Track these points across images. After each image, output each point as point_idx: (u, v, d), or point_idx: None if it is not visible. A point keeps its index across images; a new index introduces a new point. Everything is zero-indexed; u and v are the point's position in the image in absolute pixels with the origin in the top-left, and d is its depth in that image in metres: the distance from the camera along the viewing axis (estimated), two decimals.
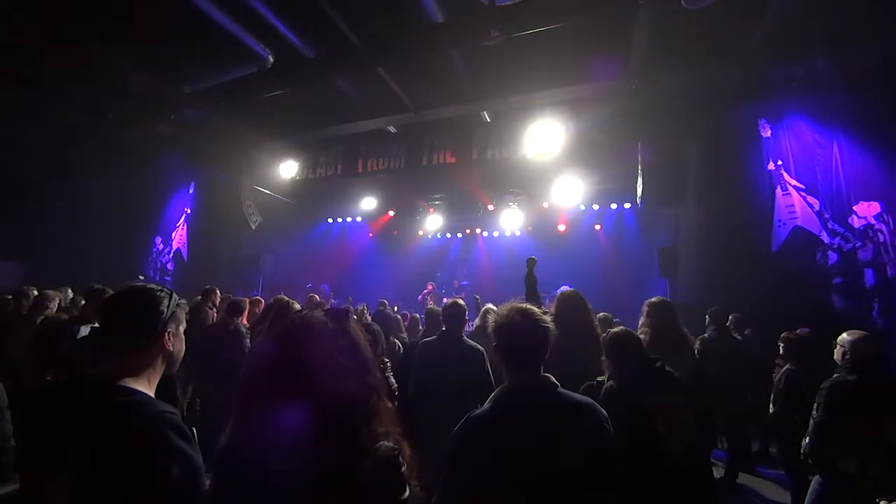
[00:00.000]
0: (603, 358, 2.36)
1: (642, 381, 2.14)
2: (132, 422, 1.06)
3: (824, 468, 2.47)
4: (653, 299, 3.43)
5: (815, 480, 2.53)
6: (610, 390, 2.15)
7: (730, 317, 5.06)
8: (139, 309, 1.26)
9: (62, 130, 8.81)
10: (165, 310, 1.28)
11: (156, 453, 1.02)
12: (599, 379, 2.27)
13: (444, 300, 4.48)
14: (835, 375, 2.62)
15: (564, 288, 9.24)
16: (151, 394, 1.20)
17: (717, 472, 4.51)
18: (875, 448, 2.30)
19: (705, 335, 4.54)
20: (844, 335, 2.72)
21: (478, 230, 13.37)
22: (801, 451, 2.63)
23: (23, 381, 2.86)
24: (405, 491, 1.06)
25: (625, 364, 2.23)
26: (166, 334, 1.27)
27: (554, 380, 1.52)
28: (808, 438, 2.58)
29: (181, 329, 1.35)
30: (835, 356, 2.77)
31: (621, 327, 2.45)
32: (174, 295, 1.34)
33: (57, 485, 1.02)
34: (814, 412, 2.59)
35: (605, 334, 2.45)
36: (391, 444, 1.07)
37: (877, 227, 5.55)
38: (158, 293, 1.29)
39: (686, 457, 2.01)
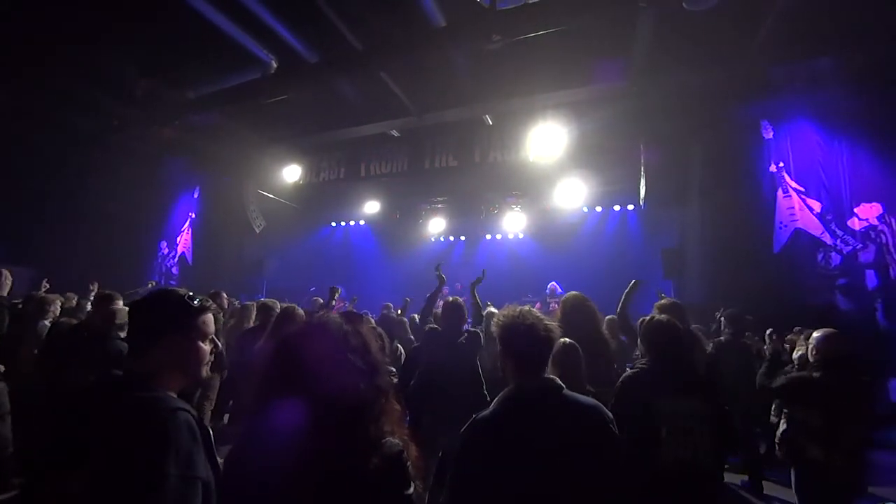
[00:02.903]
0: (639, 341, 2.40)
1: (664, 380, 2.14)
2: (143, 416, 1.07)
3: (793, 456, 2.66)
4: (662, 301, 3.42)
5: (793, 473, 2.71)
6: (627, 380, 2.19)
7: (721, 318, 5.00)
8: (154, 313, 1.26)
9: (68, 135, 8.88)
10: (180, 315, 1.26)
11: (159, 450, 1.02)
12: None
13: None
14: (802, 371, 2.84)
15: (553, 285, 9.15)
16: (171, 393, 1.20)
17: (727, 475, 4.47)
18: (837, 438, 2.46)
19: (721, 339, 4.46)
20: (814, 334, 2.83)
21: (481, 233, 13.37)
22: (776, 441, 2.87)
23: (28, 385, 2.90)
24: (410, 486, 1.09)
25: (659, 359, 2.24)
26: (179, 339, 1.25)
27: (559, 381, 1.54)
28: (779, 429, 2.85)
29: (199, 335, 1.29)
30: (804, 354, 2.93)
31: (664, 316, 2.42)
32: (194, 301, 1.30)
33: (70, 480, 1.04)
34: (784, 406, 2.88)
35: (643, 319, 2.43)
36: (397, 441, 1.12)
37: (879, 228, 5.53)
38: (176, 298, 1.28)
39: (693, 464, 2.01)
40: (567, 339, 2.34)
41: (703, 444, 2.04)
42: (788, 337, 4.33)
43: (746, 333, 4.78)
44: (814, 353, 2.74)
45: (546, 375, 1.55)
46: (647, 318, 2.39)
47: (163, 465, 1.00)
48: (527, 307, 1.65)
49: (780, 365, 3.02)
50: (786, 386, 2.73)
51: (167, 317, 1.25)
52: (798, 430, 2.64)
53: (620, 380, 2.22)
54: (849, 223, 5.75)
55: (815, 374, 2.63)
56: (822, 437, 2.48)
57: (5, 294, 3.65)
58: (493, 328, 1.65)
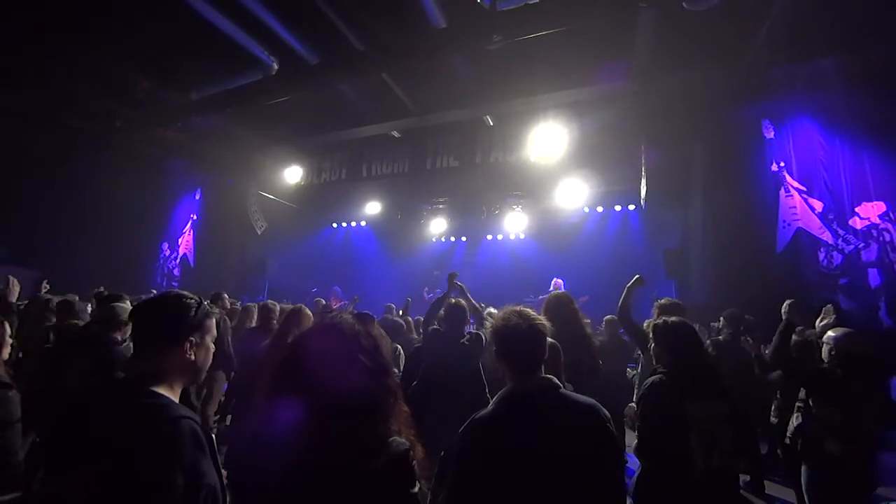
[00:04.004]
0: (652, 346, 2.36)
1: (691, 384, 2.12)
2: (147, 424, 1.07)
3: (809, 450, 2.65)
4: (663, 301, 3.41)
5: (804, 471, 2.68)
6: (654, 386, 2.16)
7: (720, 318, 4.98)
8: (163, 315, 1.27)
9: (69, 137, 8.92)
10: (190, 318, 1.27)
11: (163, 459, 1.02)
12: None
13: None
14: (820, 368, 2.82)
15: (557, 281, 9.17)
16: (174, 398, 1.21)
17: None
18: (854, 434, 2.48)
19: (719, 338, 4.48)
20: (829, 333, 2.84)
21: (482, 233, 13.37)
22: (788, 435, 2.84)
23: (36, 387, 2.91)
24: (416, 486, 1.11)
25: (677, 362, 2.20)
26: (189, 342, 1.26)
27: (556, 380, 1.54)
28: (794, 424, 2.82)
29: (208, 338, 1.32)
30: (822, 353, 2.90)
31: (678, 317, 2.38)
32: (203, 304, 1.32)
33: (74, 486, 1.04)
34: (799, 400, 2.86)
35: (657, 321, 2.39)
36: (404, 441, 1.14)
37: (882, 226, 5.52)
38: (186, 301, 1.30)
39: (719, 470, 2.00)
40: (549, 339, 2.33)
41: (727, 447, 2.04)
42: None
43: (742, 338, 4.76)
44: (832, 351, 2.76)
45: (543, 375, 1.55)
46: (661, 321, 2.35)
47: (170, 475, 1.00)
48: (520, 307, 1.65)
49: (792, 333, 2.98)
50: (806, 377, 2.81)
51: (183, 319, 1.26)
52: (814, 425, 2.66)
53: (646, 386, 2.18)
54: (850, 222, 5.74)
55: (834, 370, 2.68)
56: (839, 432, 2.51)
57: (14, 300, 3.66)
58: (488, 329, 1.65)
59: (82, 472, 1.03)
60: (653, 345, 2.36)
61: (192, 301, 1.30)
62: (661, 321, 2.36)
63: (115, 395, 1.18)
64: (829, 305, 3.35)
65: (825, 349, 2.81)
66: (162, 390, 1.18)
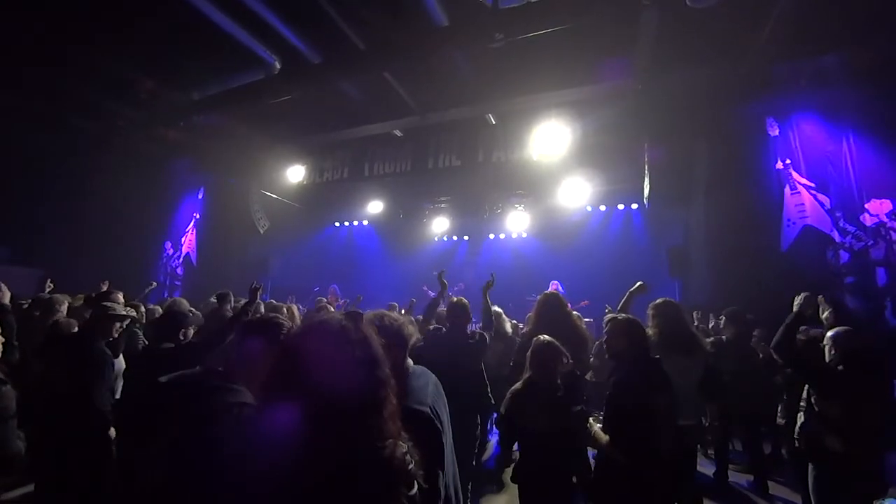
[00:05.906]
0: (605, 339, 2.58)
1: (647, 378, 2.33)
2: (214, 403, 1.30)
3: (813, 447, 2.67)
4: (657, 301, 3.39)
5: (811, 471, 2.69)
6: (618, 385, 2.36)
7: (722, 317, 4.96)
8: (273, 330, 1.59)
9: (72, 137, 8.94)
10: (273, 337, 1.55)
11: (223, 436, 1.17)
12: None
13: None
14: (823, 365, 2.83)
15: (555, 285, 9.23)
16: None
17: (733, 476, 4.46)
18: (856, 429, 2.48)
19: (721, 338, 4.47)
20: (829, 332, 2.86)
21: (484, 232, 13.35)
22: (795, 437, 2.87)
23: (36, 386, 2.91)
24: (413, 487, 1.09)
25: (632, 360, 2.41)
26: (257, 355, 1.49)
27: None
28: (799, 422, 2.86)
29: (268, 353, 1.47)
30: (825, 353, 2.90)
31: (625, 315, 2.58)
32: (283, 325, 1.60)
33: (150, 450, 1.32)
34: (802, 400, 2.90)
35: (614, 316, 2.57)
36: (400, 443, 1.11)
37: (889, 224, 5.48)
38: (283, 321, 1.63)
39: (673, 451, 2.27)
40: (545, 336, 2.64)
41: (673, 430, 2.36)
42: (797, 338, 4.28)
43: (755, 333, 4.72)
44: (831, 349, 2.75)
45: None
46: (619, 317, 2.54)
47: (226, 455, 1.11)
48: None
49: (799, 326, 2.92)
50: (808, 370, 2.80)
51: (273, 336, 1.54)
52: (816, 422, 2.66)
53: (612, 384, 2.39)
54: (860, 218, 5.69)
55: (835, 367, 2.68)
56: (841, 427, 2.50)
57: (6, 302, 3.66)
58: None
59: (162, 437, 1.29)
60: (606, 339, 2.59)
61: (283, 322, 1.61)
62: (617, 317, 2.56)
63: (198, 382, 1.48)
64: (820, 296, 3.30)
65: (826, 349, 2.81)
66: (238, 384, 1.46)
